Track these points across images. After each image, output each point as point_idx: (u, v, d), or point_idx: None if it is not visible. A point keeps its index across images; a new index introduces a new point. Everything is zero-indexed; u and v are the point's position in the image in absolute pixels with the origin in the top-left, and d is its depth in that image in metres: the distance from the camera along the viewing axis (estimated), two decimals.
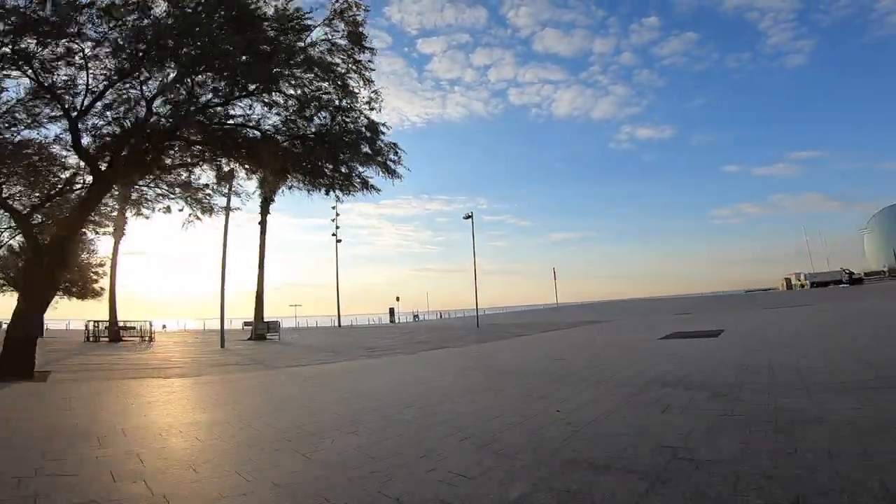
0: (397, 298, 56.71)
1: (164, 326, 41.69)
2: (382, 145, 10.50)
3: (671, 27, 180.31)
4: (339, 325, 42.69)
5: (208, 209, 13.97)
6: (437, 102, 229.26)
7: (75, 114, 8.86)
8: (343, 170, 10.56)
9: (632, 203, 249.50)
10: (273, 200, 27.96)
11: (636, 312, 29.31)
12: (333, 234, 45.49)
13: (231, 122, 9.84)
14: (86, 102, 8.82)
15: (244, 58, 8.66)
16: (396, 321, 50.68)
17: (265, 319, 26.21)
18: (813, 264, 75.12)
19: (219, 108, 9.54)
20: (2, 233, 19.43)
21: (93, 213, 13.92)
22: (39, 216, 13.55)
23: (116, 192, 13.97)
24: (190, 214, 13.94)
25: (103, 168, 9.30)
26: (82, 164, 10.53)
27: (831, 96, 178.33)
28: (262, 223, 28.78)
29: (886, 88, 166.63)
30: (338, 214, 44.85)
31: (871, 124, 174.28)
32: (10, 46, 7.79)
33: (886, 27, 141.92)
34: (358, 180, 10.75)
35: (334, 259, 47.62)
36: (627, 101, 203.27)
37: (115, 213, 18.87)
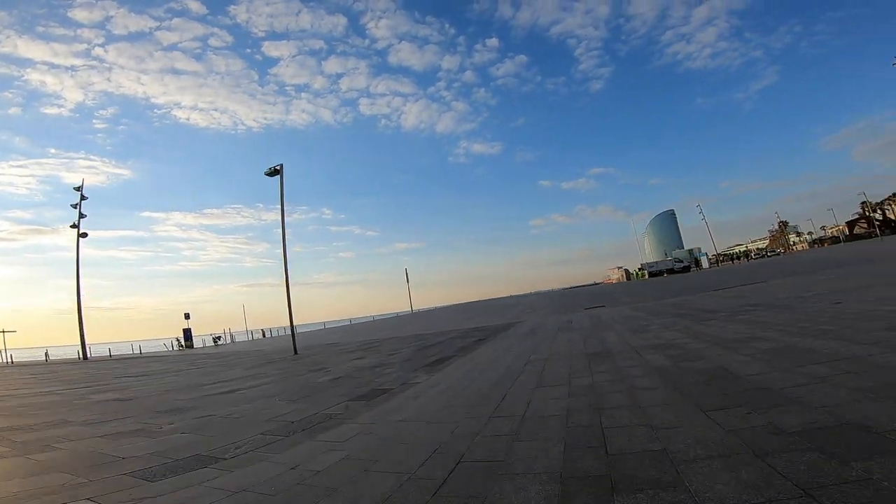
0: (187, 316, 41.21)
1: None
2: None
3: (508, 49, 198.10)
4: (81, 357, 26.42)
5: None
6: (280, 108, 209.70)
7: None
8: None
9: (467, 214, 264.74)
10: None
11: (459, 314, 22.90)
12: (74, 226, 28.87)
13: None
14: None
15: None
16: (182, 347, 37.33)
17: None
18: (624, 261, 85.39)
19: None
20: None
21: None
22: None
23: None
24: None
25: None
26: None
27: (620, 119, 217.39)
28: None
29: (659, 113, 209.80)
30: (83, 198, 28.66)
31: (646, 144, 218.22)
32: None
33: (666, 57, 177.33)
34: None
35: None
36: (466, 118, 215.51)
37: None
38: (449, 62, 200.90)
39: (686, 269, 63.11)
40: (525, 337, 10.41)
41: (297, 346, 16.23)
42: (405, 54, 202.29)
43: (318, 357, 13.23)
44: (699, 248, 77.66)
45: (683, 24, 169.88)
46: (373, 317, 68.16)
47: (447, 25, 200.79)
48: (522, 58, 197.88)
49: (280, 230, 17.53)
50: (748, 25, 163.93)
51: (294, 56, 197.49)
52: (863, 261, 19.67)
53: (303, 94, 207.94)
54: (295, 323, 17.08)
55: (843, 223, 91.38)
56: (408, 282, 57.47)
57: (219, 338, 45.61)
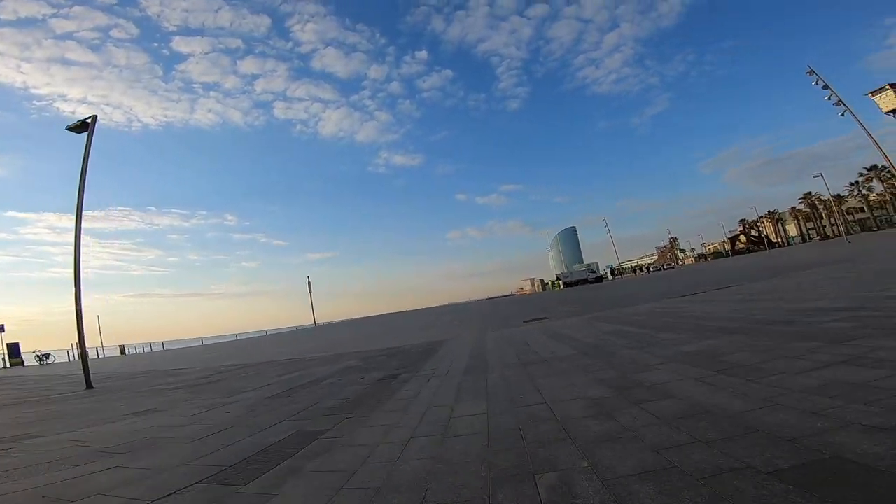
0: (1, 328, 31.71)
1: None
2: None
3: (436, 63, 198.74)
4: None
5: None
6: (184, 105, 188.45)
7: None
8: None
9: (386, 224, 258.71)
10: None
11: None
12: None
13: None
14: None
15: None
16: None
17: None
18: (532, 274, 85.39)
19: None
20: None
21: None
22: None
23: None
24: None
25: None
26: None
27: (532, 138, 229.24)
28: None
29: (567, 134, 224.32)
30: None
31: (553, 163, 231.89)
32: None
33: (576, 80, 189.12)
34: None
35: None
36: (389, 128, 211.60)
37: None
38: (376, 72, 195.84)
39: (599, 279, 64.76)
40: (471, 375, 5.93)
41: (115, 373, 10.04)
42: (330, 60, 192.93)
43: (81, 404, 7.36)
44: (596, 263, 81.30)
45: (595, 49, 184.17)
46: (266, 331, 59.29)
47: (378, 35, 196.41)
48: (449, 72, 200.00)
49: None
50: (650, 53, 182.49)
51: (206, 53, 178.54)
52: (788, 268, 18.63)
53: (211, 94, 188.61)
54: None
55: (724, 239, 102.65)
56: (310, 292, 50.48)
57: (46, 356, 35.01)
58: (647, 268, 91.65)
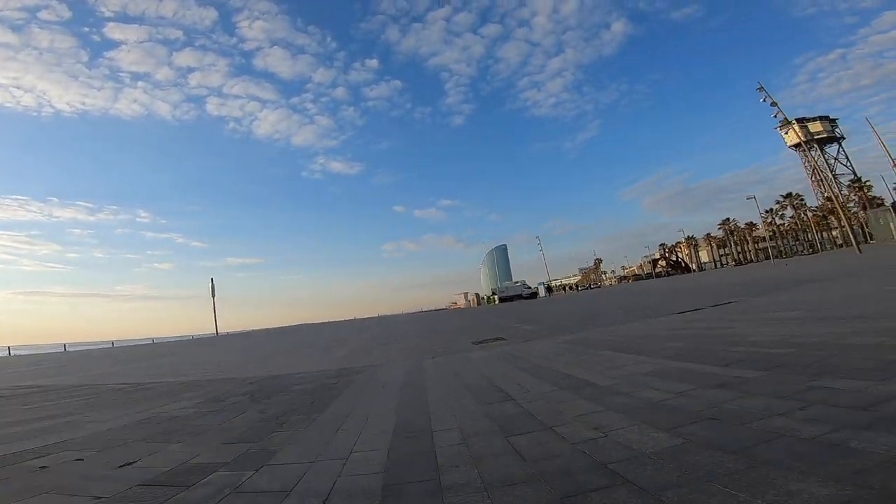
0: None
1: None
2: None
3: (386, 72, 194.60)
4: None
5: None
6: (106, 94, 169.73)
7: None
8: None
9: (319, 232, 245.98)
10: None
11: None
12: None
13: None
14: None
15: None
16: None
17: None
18: (463, 288, 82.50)
19: None
20: None
21: None
22: None
23: None
24: None
25: None
26: None
27: (471, 155, 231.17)
28: None
29: (503, 153, 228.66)
30: None
31: (490, 181, 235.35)
32: None
33: (519, 101, 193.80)
34: None
35: None
36: (328, 134, 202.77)
37: None
38: (322, 75, 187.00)
39: (534, 295, 64.40)
40: (401, 471, 1.96)
41: None
42: (274, 60, 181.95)
43: None
44: (524, 280, 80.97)
45: (539, 72, 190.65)
46: (153, 339, 50.17)
47: (329, 38, 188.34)
48: (398, 83, 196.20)
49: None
50: (588, 79, 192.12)
51: (141, 42, 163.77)
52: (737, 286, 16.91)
53: (139, 84, 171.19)
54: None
55: (640, 262, 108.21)
56: (213, 297, 43.18)
57: None
58: (577, 286, 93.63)
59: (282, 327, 55.14)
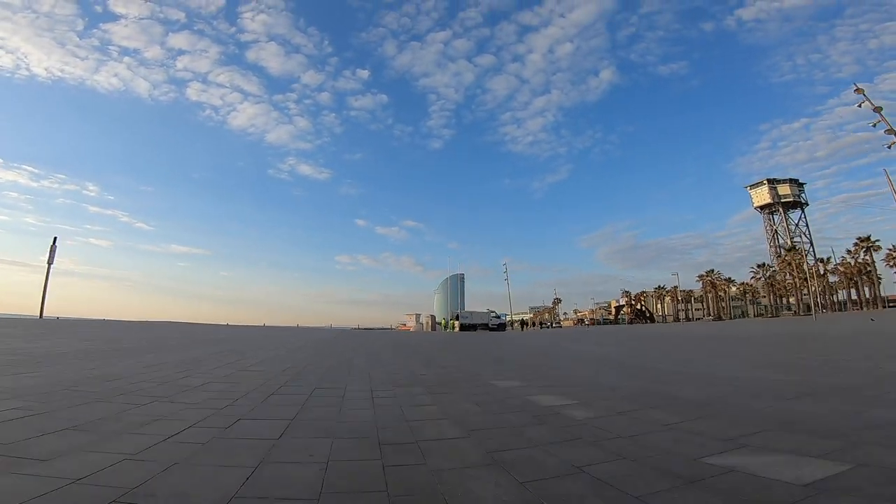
0: None
1: None
2: None
3: (374, 85, 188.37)
4: None
5: None
6: (89, 65, 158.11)
7: None
8: None
9: (274, 232, 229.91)
10: None
11: None
12: None
13: None
14: None
15: None
16: None
17: None
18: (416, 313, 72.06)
19: None
20: None
21: None
22: None
23: None
24: None
25: None
26: None
27: (443, 180, 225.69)
28: None
29: (474, 184, 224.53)
30: None
31: (455, 209, 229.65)
32: None
33: (498, 134, 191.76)
34: None
35: None
36: (303, 136, 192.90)
37: None
38: (311, 77, 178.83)
39: (503, 327, 53.76)
40: None
41: None
42: (267, 55, 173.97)
43: None
44: (494, 310, 73.22)
45: (523, 108, 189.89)
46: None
47: (326, 42, 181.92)
48: (384, 97, 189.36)
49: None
50: (567, 123, 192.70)
51: (141, 18, 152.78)
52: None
53: (125, 59, 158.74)
54: None
55: (593, 308, 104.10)
56: (49, 264, 32.10)
57: None
58: (540, 324, 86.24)
59: (148, 321, 43.00)
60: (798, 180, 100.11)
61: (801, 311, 69.11)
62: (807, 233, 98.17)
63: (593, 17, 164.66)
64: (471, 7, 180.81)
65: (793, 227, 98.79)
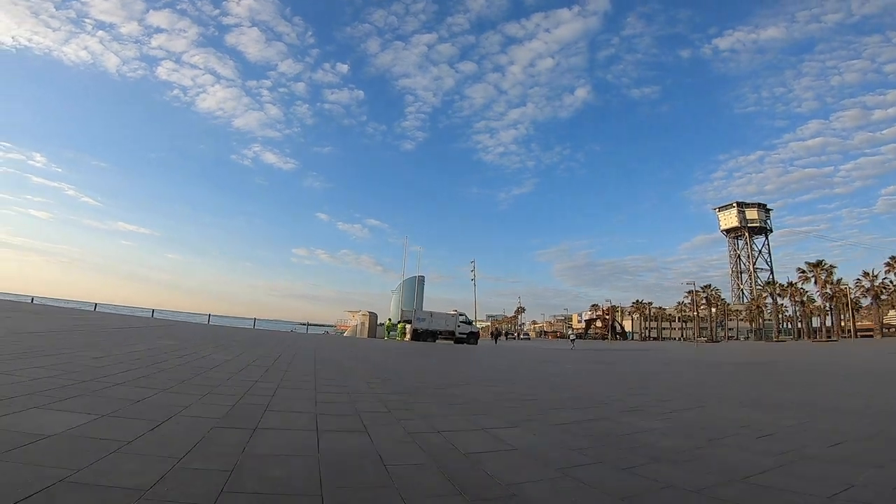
0: None
1: None
2: None
3: (352, 80, 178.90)
4: None
5: None
6: (59, 36, 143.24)
7: None
8: None
9: (232, 221, 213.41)
10: None
11: None
12: None
13: None
14: None
15: None
16: None
17: None
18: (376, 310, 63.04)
19: None
20: None
21: None
22: None
23: None
24: None
25: None
26: None
27: (412, 183, 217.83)
28: None
29: (442, 190, 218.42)
30: None
31: (422, 213, 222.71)
32: None
33: (470, 142, 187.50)
34: None
35: None
36: (273, 125, 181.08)
37: None
38: (288, 66, 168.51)
39: (474, 337, 39.21)
40: None
41: None
42: (248, 40, 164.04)
43: None
44: (465, 313, 64.89)
45: (498, 118, 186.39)
46: None
47: (310, 34, 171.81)
48: (360, 93, 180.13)
49: None
50: (538, 137, 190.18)
51: None
52: None
53: (99, 32, 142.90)
54: None
55: (553, 320, 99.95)
56: None
57: None
58: (506, 334, 79.86)
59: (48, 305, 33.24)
60: (766, 205, 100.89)
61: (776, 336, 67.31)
62: (768, 260, 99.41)
63: (577, 34, 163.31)
64: (459, 13, 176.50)
65: (755, 254, 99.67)
